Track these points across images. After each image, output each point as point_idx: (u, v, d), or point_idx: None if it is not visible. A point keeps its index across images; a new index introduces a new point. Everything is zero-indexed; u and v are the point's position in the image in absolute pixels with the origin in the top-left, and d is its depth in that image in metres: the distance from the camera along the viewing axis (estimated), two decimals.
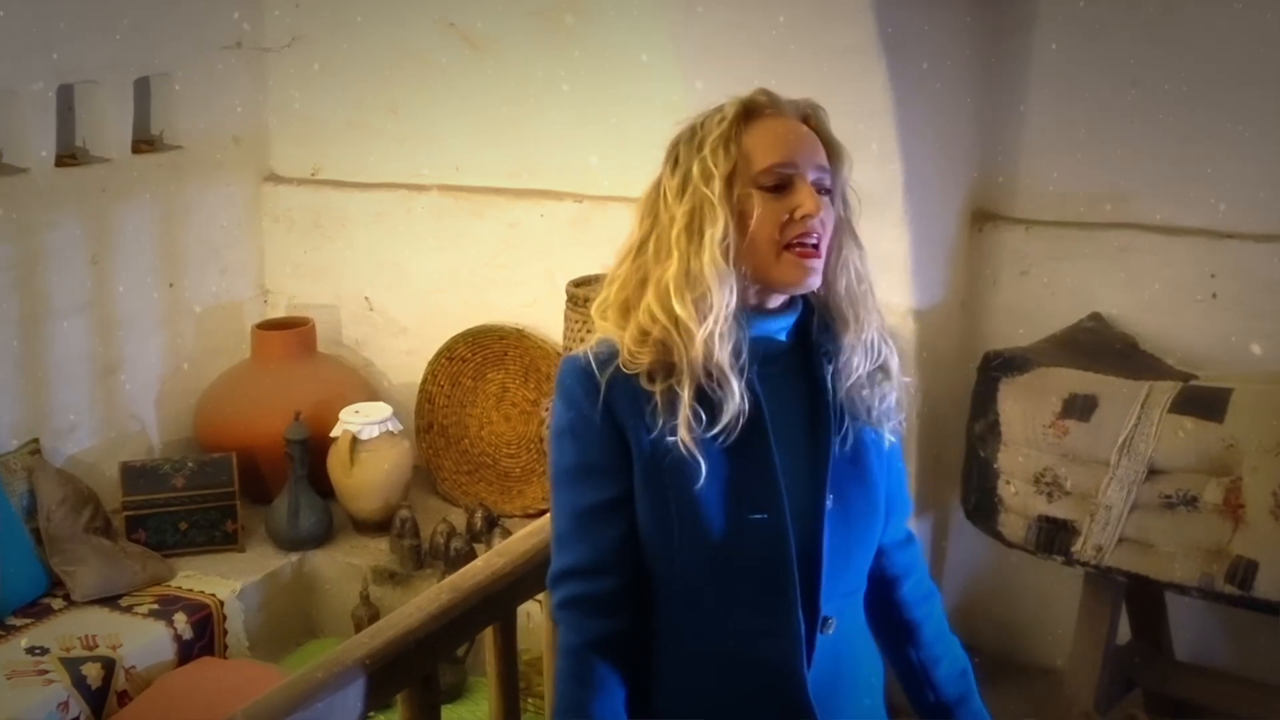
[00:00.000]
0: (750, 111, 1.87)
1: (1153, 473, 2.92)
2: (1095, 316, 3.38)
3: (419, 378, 4.26)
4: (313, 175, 4.50)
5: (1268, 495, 2.78)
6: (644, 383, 1.86)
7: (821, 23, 3.05)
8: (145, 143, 4.19)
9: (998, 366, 3.14)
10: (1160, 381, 3.01)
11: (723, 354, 1.83)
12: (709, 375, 1.83)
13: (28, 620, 3.49)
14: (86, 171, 3.96)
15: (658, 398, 1.85)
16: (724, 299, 1.82)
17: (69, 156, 3.96)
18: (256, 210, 4.53)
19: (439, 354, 4.21)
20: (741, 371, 1.85)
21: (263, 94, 4.50)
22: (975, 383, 3.20)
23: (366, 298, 4.43)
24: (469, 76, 4.16)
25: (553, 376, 3.87)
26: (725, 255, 1.82)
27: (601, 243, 3.81)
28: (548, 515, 2.41)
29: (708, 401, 1.84)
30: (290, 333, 4.22)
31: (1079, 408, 3.01)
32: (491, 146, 4.19)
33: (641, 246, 1.90)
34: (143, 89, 4.15)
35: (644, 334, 1.86)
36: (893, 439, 1.98)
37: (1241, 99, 3.24)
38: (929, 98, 3.23)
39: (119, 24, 3.97)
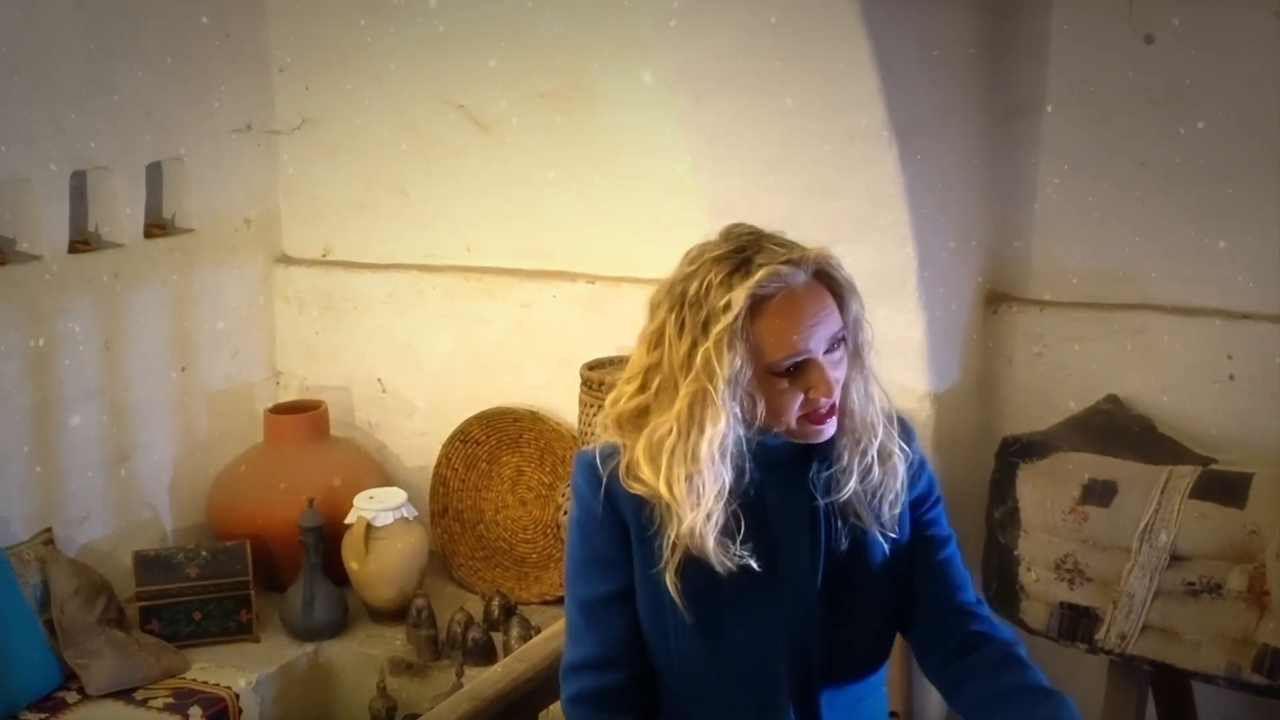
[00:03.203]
0: (758, 299, 1.84)
1: (1175, 559, 2.89)
2: (1112, 398, 3.36)
3: (433, 461, 4.24)
4: (324, 256, 4.51)
5: None
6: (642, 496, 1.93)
7: (830, 109, 3.05)
8: (157, 227, 4.20)
9: (1016, 452, 3.13)
10: (1180, 466, 2.99)
11: (709, 536, 1.88)
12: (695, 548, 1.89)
13: (42, 715, 3.46)
14: (99, 257, 3.97)
15: (659, 509, 1.91)
16: (715, 488, 1.87)
17: (82, 243, 3.96)
18: (268, 292, 4.53)
19: (453, 437, 4.20)
20: (730, 550, 1.89)
21: (273, 176, 4.51)
22: (993, 468, 3.17)
23: (379, 379, 4.42)
24: (479, 157, 4.18)
25: (568, 460, 3.93)
26: (723, 450, 1.86)
27: (615, 324, 3.89)
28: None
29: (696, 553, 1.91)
30: (302, 417, 4.21)
31: (1098, 493, 2.98)
32: (503, 227, 4.20)
33: (648, 374, 1.93)
34: (154, 174, 4.17)
35: (634, 473, 1.92)
36: (894, 535, 1.99)
37: (1254, 177, 3.23)
38: (940, 180, 3.23)
39: (130, 110, 3.99)
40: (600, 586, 1.98)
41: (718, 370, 1.82)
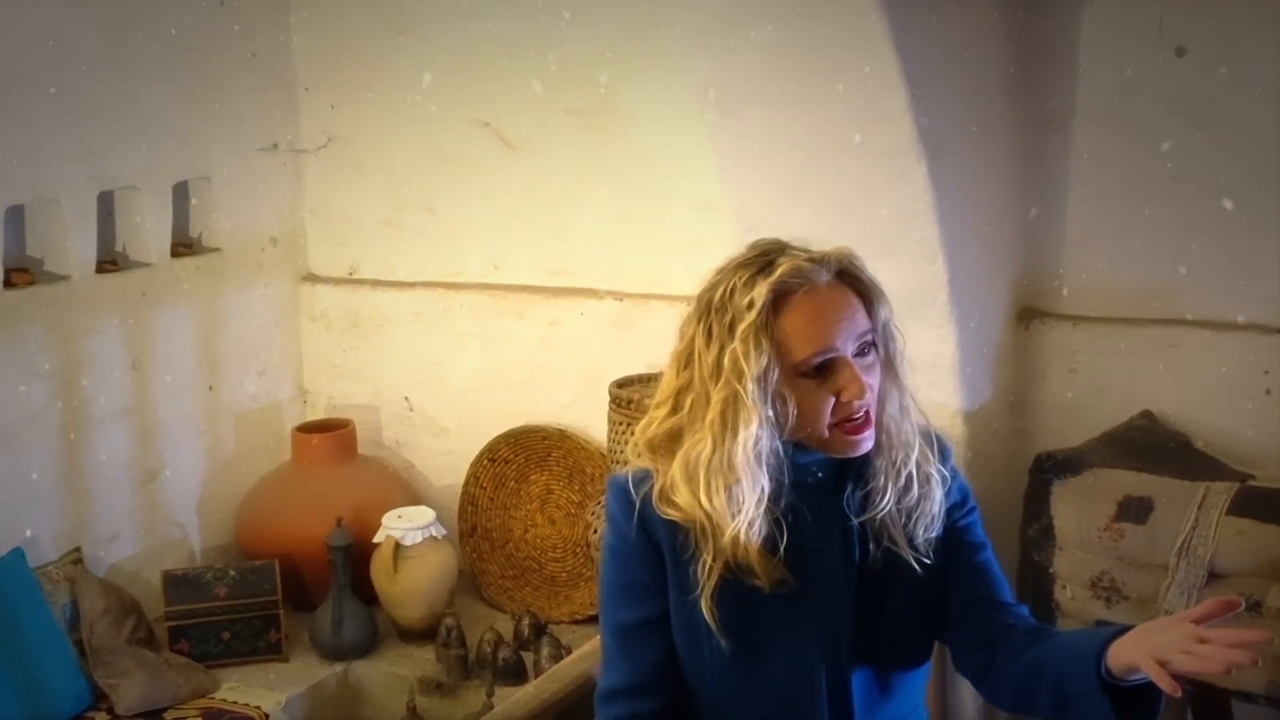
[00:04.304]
0: (781, 294, 1.83)
1: (1213, 576, 2.86)
2: (1147, 414, 3.33)
3: (461, 479, 4.22)
4: (350, 275, 4.51)
5: None
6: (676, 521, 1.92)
7: (859, 125, 3.04)
8: (184, 246, 4.20)
9: (1050, 468, 3.10)
10: (1216, 482, 2.96)
11: (752, 547, 1.86)
12: (738, 560, 1.87)
13: None
14: (127, 277, 3.98)
15: (690, 531, 1.90)
16: (755, 494, 1.84)
17: (109, 262, 3.97)
18: (295, 310, 4.54)
19: (481, 455, 4.18)
20: (775, 556, 1.88)
21: (300, 195, 4.52)
22: (1027, 485, 3.15)
23: (406, 398, 4.41)
24: (505, 175, 4.17)
25: (597, 478, 3.92)
26: (759, 454, 1.83)
27: (643, 341, 3.87)
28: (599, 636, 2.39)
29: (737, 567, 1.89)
30: (330, 436, 4.20)
31: (1134, 510, 2.96)
32: (529, 245, 4.19)
33: (679, 395, 1.92)
34: (181, 193, 4.18)
35: (668, 497, 1.90)
36: (927, 560, 1.96)
37: None
38: (970, 196, 3.21)
39: (157, 130, 4.01)
40: (635, 612, 1.97)
41: (746, 370, 1.81)
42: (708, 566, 1.87)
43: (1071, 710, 1.83)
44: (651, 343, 3.80)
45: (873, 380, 1.87)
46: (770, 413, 1.83)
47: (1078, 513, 3.03)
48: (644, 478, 1.94)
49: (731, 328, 1.83)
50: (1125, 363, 3.39)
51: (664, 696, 1.97)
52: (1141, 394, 3.36)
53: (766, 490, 1.85)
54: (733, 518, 1.84)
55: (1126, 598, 2.96)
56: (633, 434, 3.53)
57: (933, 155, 3.02)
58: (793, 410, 1.84)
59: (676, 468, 1.88)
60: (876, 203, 3.10)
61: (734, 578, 1.88)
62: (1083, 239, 3.44)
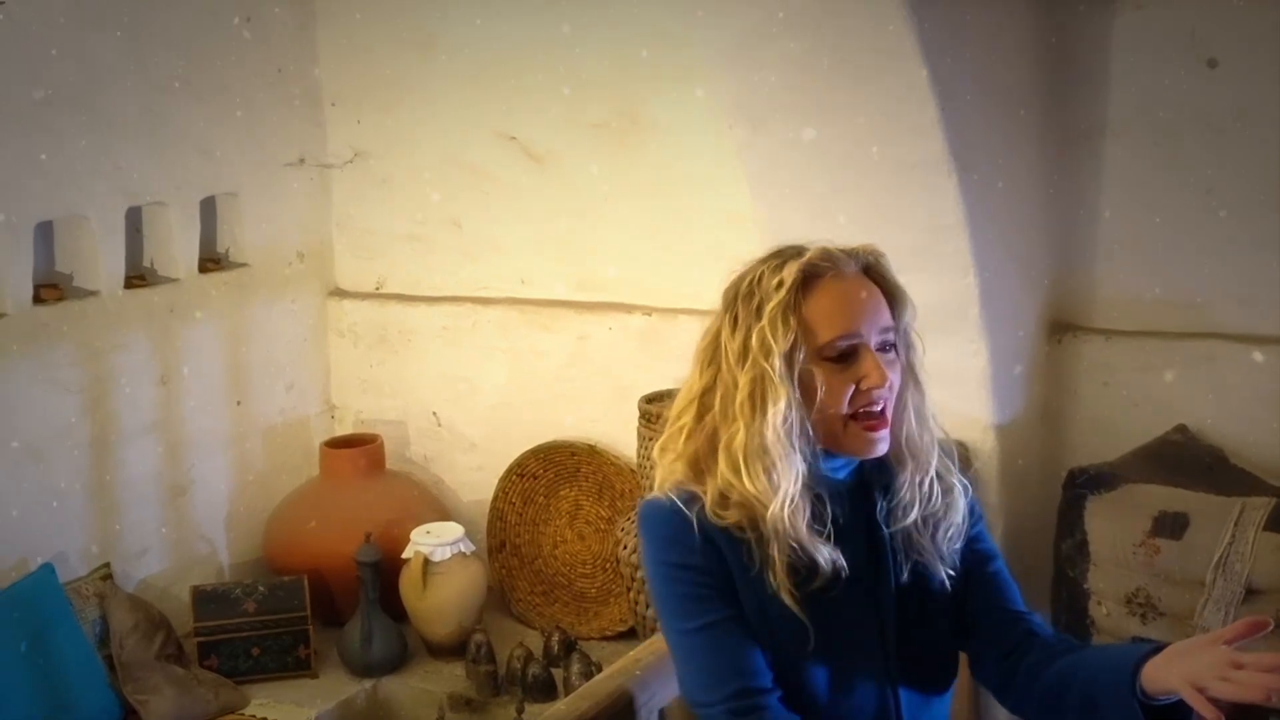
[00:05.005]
0: (809, 277, 1.87)
1: (1250, 593, 2.84)
2: (1181, 429, 3.30)
3: (490, 495, 4.21)
4: (377, 289, 4.50)
5: None
6: (734, 530, 1.90)
7: (890, 138, 3.03)
8: (212, 261, 4.21)
9: (1084, 483, 3.08)
10: (1253, 497, 2.94)
11: (799, 525, 1.85)
12: (793, 544, 1.86)
13: None
14: (154, 292, 3.98)
15: (751, 542, 1.88)
16: (791, 473, 1.84)
17: (137, 278, 3.98)
18: (322, 325, 4.54)
19: (509, 470, 4.17)
20: (824, 534, 1.87)
21: (326, 209, 4.52)
22: (1061, 500, 3.13)
23: (434, 413, 4.40)
24: (531, 189, 4.17)
25: (626, 494, 3.89)
26: (789, 431, 1.84)
27: (672, 356, 3.82)
28: (633, 653, 2.38)
29: (800, 561, 1.88)
30: (358, 450, 4.20)
31: (1170, 526, 2.94)
32: (557, 259, 4.18)
33: (705, 396, 1.93)
34: (208, 208, 4.18)
35: (725, 497, 1.89)
36: (951, 572, 1.97)
37: None
38: (1001, 209, 3.19)
39: (184, 146, 4.01)
40: (719, 611, 1.90)
41: (774, 346, 1.83)
42: (776, 564, 1.85)
43: None
44: (680, 357, 3.73)
45: (894, 377, 1.89)
46: (798, 394, 1.85)
47: (1112, 528, 3.01)
48: (690, 498, 1.92)
49: (759, 309, 1.86)
50: (1159, 377, 3.36)
51: (768, 678, 1.90)
52: (1176, 408, 3.33)
53: (802, 471, 1.85)
54: (771, 498, 1.84)
55: (1162, 614, 2.94)
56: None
57: (963, 169, 3.01)
58: (821, 389, 1.85)
59: (724, 467, 1.88)
60: (907, 217, 3.08)
61: (799, 584, 1.86)
62: (1115, 252, 3.42)
